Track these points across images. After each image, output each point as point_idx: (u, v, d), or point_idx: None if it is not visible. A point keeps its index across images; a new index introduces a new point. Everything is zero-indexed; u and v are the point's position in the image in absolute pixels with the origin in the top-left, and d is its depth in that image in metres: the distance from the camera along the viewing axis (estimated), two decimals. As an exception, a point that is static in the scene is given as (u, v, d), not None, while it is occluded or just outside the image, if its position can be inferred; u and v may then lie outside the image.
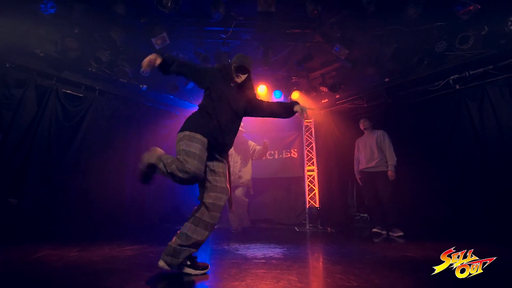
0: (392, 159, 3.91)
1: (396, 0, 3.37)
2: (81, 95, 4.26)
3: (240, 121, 2.02)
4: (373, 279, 1.62)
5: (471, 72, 3.73)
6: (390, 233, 3.74)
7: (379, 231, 3.90)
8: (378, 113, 4.91)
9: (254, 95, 2.06)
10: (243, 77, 1.94)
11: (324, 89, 5.09)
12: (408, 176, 4.33)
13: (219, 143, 1.82)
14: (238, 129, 2.00)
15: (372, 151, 4.07)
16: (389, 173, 3.88)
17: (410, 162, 4.31)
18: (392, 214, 3.80)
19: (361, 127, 4.32)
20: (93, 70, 4.21)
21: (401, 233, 3.64)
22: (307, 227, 4.89)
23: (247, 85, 1.99)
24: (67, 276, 1.65)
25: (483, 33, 3.35)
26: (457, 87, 3.92)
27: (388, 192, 3.87)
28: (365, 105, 5.05)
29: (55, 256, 2.09)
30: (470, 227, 3.55)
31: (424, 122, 4.30)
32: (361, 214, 5.07)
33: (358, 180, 4.33)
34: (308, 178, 5.49)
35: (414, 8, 3.30)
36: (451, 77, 3.93)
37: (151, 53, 1.76)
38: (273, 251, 2.50)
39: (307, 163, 5.55)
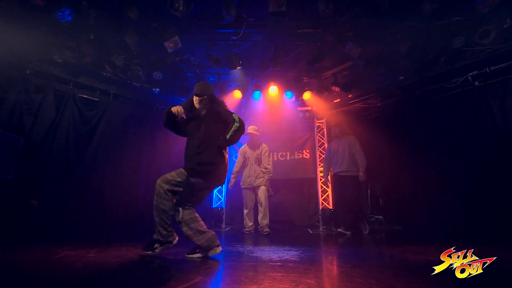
0: (363, 161, 4.09)
1: (410, -4, 3.29)
2: (97, 99, 4.38)
3: (201, 142, 2.32)
4: (395, 284, 1.57)
5: (492, 68, 3.59)
6: (339, 229, 4.17)
7: (344, 231, 4.10)
8: (391, 112, 4.80)
9: (214, 111, 2.40)
10: (199, 99, 2.39)
11: (336, 88, 5.02)
12: (422, 177, 4.19)
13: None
14: (200, 150, 2.32)
15: (344, 156, 4.26)
16: (360, 174, 4.05)
17: (425, 162, 4.17)
18: (355, 216, 4.10)
19: (333, 134, 4.54)
20: (108, 75, 4.31)
21: (349, 233, 4.03)
22: (321, 229, 4.81)
23: (207, 107, 2.40)
24: (87, 277, 1.67)
25: (505, 26, 3.20)
26: (477, 84, 3.77)
27: (355, 195, 4.12)
28: (379, 104, 4.94)
29: (74, 257, 2.13)
30: (491, 229, 3.38)
31: (441, 121, 4.15)
32: (375, 216, 4.96)
33: (322, 183, 4.57)
34: (321, 180, 5.41)
35: (429, 3, 3.21)
36: (470, 74, 3.79)
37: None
38: (289, 254, 2.46)
39: (319, 164, 5.48)
